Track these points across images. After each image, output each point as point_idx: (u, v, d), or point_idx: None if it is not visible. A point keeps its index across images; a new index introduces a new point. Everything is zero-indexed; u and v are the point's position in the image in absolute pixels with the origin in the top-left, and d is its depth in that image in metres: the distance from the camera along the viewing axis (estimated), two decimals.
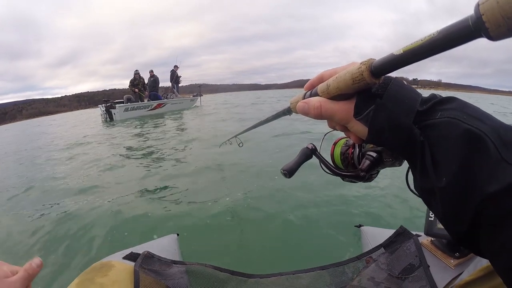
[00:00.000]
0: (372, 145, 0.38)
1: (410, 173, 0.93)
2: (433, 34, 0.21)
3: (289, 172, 0.40)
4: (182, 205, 2.34)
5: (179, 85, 13.33)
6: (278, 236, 1.77)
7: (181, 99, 12.92)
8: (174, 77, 12.78)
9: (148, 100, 11.57)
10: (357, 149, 0.41)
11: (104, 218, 2.25)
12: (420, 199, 0.90)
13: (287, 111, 0.41)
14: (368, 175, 0.38)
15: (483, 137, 0.23)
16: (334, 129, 0.36)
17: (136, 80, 11.46)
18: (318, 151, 0.43)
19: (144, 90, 11.64)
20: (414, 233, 0.88)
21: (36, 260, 0.53)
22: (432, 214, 0.79)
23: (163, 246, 1.01)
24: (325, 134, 0.49)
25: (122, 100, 11.13)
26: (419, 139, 0.26)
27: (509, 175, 0.21)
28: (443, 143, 0.25)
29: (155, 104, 11.42)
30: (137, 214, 2.23)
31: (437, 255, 0.80)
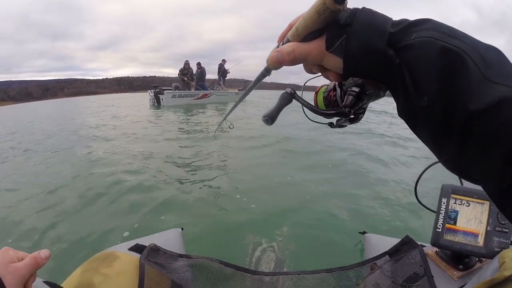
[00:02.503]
0: (352, 82, 0.37)
1: (419, 184, 0.93)
2: None
3: (271, 118, 0.39)
4: (190, 199, 2.35)
5: (226, 78, 13.79)
6: (282, 237, 1.78)
7: (226, 92, 13.34)
8: (222, 70, 13.15)
9: (194, 90, 12.16)
10: (338, 90, 0.40)
11: (110, 205, 2.28)
12: (427, 211, 0.91)
13: (266, 71, 0.40)
14: (353, 112, 0.38)
15: (461, 54, 0.23)
16: (312, 72, 0.36)
17: (185, 70, 12.06)
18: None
19: (191, 80, 12.21)
20: (419, 243, 0.89)
21: (44, 251, 0.53)
22: (439, 225, 0.81)
23: (168, 239, 1.00)
24: (305, 83, 0.49)
25: (170, 88, 11.76)
26: (396, 61, 0.26)
27: (492, 93, 0.22)
28: (421, 63, 0.25)
29: (201, 94, 11.95)
30: (148, 203, 2.25)
31: (441, 266, 0.82)
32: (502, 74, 0.22)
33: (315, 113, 0.41)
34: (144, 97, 12.74)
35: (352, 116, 0.39)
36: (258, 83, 0.47)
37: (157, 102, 11.38)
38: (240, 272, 0.88)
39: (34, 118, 9.88)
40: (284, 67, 0.36)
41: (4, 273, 0.45)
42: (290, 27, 0.34)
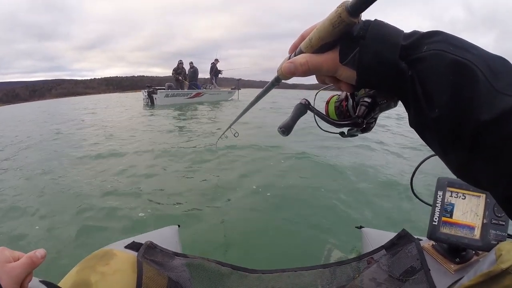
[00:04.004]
0: (364, 92, 0.38)
1: (414, 178, 0.92)
2: None
3: (287, 129, 0.39)
4: (185, 197, 2.35)
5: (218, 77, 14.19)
6: (280, 234, 1.79)
7: (219, 91, 13.65)
8: (214, 70, 13.50)
9: (188, 89, 12.46)
10: (350, 100, 0.41)
11: (106, 203, 2.27)
12: (423, 205, 0.91)
13: (276, 81, 0.41)
14: (365, 122, 0.39)
15: (471, 66, 0.24)
16: (324, 83, 0.36)
17: (179, 69, 12.40)
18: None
19: (185, 79, 12.57)
20: (415, 237, 0.89)
21: (40, 251, 0.52)
22: (436, 219, 0.81)
23: (164, 237, 1.00)
24: (317, 93, 0.51)
25: (164, 87, 12.10)
26: (408, 73, 0.27)
27: (501, 103, 0.22)
28: (432, 75, 0.25)
29: (194, 93, 12.26)
30: (141, 202, 2.25)
31: (438, 259, 0.81)
32: (509, 84, 0.23)
33: (330, 123, 0.41)
34: (128, 97, 12.86)
35: (364, 126, 0.39)
36: (268, 92, 0.47)
37: (150, 102, 11.59)
38: (236, 271, 0.88)
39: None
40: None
41: (0, 273, 0.45)
42: (302, 38, 0.34)
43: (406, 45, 0.27)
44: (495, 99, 0.23)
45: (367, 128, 0.41)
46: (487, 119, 0.22)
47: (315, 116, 0.42)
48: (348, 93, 0.41)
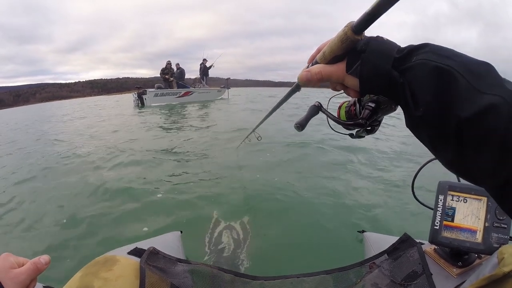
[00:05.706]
0: (369, 97, 0.43)
1: (415, 181, 0.93)
2: None
3: (301, 125, 0.47)
4: (186, 202, 2.34)
5: (208, 76, 14.60)
6: (281, 239, 1.78)
7: (208, 90, 13.98)
8: (203, 69, 13.92)
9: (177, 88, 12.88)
10: (358, 105, 0.46)
11: (108, 208, 2.27)
12: (425, 209, 0.91)
13: (296, 87, 0.48)
14: (368, 123, 0.43)
15: (450, 71, 0.27)
16: (335, 89, 0.43)
17: (167, 70, 12.80)
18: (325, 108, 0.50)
19: (174, 78, 12.97)
20: (417, 241, 0.89)
21: (45, 257, 0.53)
22: (437, 222, 0.81)
23: (167, 243, 1.00)
24: (330, 98, 0.58)
25: (153, 88, 12.51)
26: (399, 80, 0.32)
27: (481, 101, 0.25)
28: (418, 81, 0.30)
29: (183, 92, 12.66)
30: (142, 208, 2.25)
31: (440, 263, 0.81)
32: (490, 85, 0.26)
33: (337, 123, 0.48)
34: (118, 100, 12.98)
35: (369, 128, 0.45)
36: (289, 97, 0.55)
37: (141, 103, 11.88)
38: (239, 278, 0.88)
39: None
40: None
41: (5, 279, 0.46)
42: (318, 51, 0.41)
43: (399, 57, 0.32)
44: (475, 97, 0.26)
45: (372, 130, 0.46)
46: (467, 115, 0.25)
47: (328, 117, 0.49)
48: (356, 99, 0.46)
